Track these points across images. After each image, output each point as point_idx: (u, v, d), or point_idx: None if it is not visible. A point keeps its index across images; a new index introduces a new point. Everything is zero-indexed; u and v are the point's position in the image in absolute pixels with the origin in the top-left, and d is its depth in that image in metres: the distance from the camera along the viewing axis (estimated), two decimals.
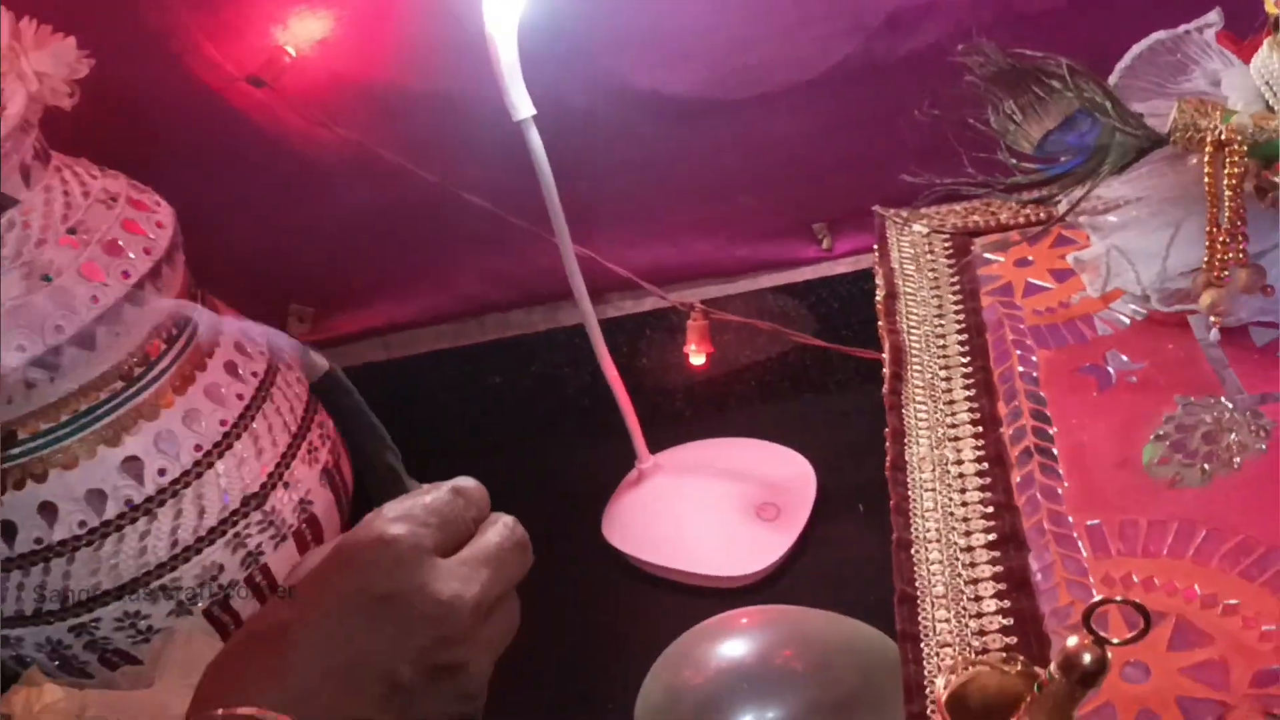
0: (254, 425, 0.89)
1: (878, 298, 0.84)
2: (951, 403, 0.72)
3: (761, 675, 0.72)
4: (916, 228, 0.90)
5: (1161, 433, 0.65)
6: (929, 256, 0.86)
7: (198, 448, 0.86)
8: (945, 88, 0.73)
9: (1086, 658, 0.43)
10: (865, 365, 0.92)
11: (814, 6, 0.91)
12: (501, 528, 0.52)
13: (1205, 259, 0.67)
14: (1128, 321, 0.74)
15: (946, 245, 0.87)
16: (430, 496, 0.51)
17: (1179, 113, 0.65)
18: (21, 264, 0.78)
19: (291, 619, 0.47)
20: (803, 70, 0.91)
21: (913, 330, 0.79)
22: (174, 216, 0.90)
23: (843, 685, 0.72)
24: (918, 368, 0.76)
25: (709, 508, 0.98)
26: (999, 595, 0.59)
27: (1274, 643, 0.52)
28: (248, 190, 1.01)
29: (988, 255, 0.84)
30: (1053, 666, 0.44)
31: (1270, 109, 0.65)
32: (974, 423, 0.70)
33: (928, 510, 0.65)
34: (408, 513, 0.50)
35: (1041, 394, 0.70)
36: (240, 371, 0.91)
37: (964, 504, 0.65)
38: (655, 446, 1.03)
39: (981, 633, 0.57)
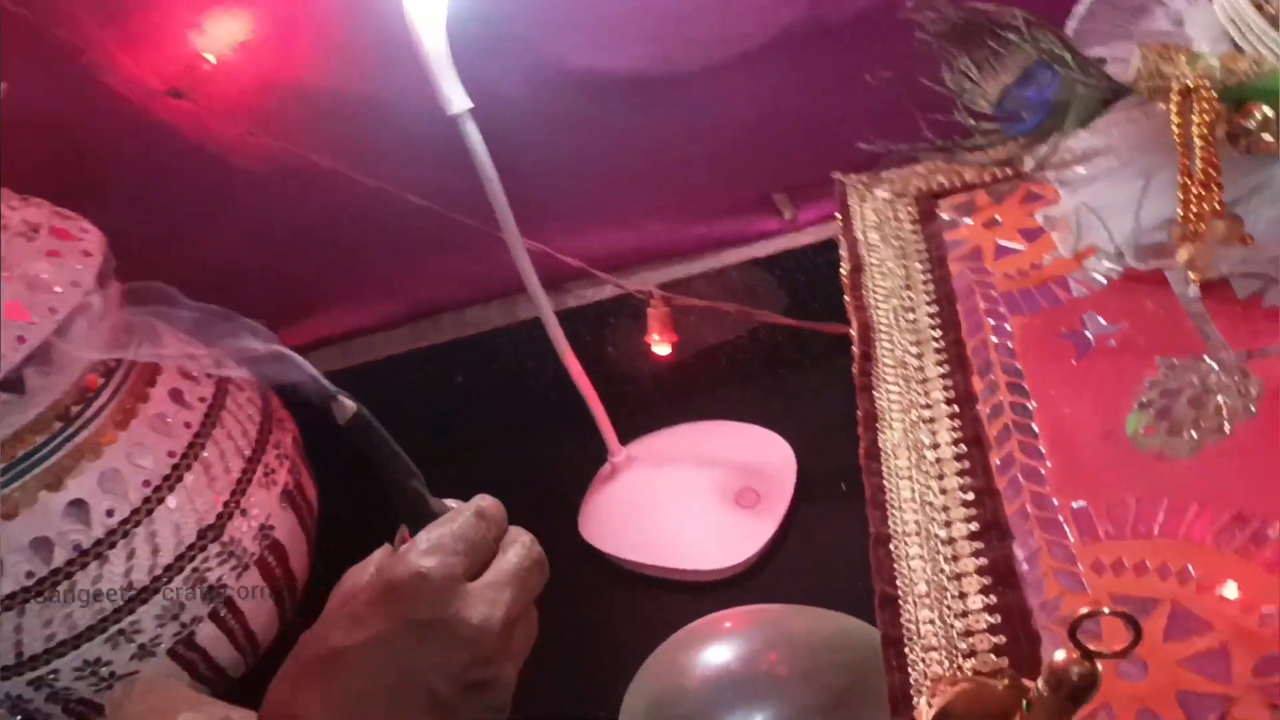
0: (205, 454, 0.85)
1: (843, 271, 0.80)
2: (924, 381, 0.69)
3: (748, 682, 0.69)
4: (879, 193, 0.86)
5: (1145, 400, 0.61)
6: (894, 223, 0.82)
7: (146, 483, 0.82)
8: (897, 47, 0.69)
9: (1075, 673, 0.40)
10: (840, 336, 0.89)
11: None
12: (520, 548, 0.57)
13: (1179, 211, 0.63)
14: (1103, 281, 0.70)
15: (911, 210, 0.83)
16: (457, 524, 0.56)
17: (1142, 60, 0.61)
18: None
19: (343, 646, 0.52)
20: (748, 39, 0.87)
21: (880, 305, 0.75)
22: (104, 243, 0.85)
23: (832, 686, 0.69)
24: (887, 345, 0.72)
25: (687, 498, 0.94)
26: (984, 590, 0.56)
27: (1275, 626, 0.49)
28: (183, 207, 0.97)
29: (954, 218, 0.80)
30: (1040, 683, 0.41)
31: (1238, 49, 0.62)
32: (949, 401, 0.67)
33: (905, 501, 0.62)
34: (438, 543, 0.55)
35: (1017, 365, 0.67)
36: (187, 398, 0.87)
37: (942, 491, 0.62)
38: (628, 435, 1.00)
39: (968, 633, 0.54)
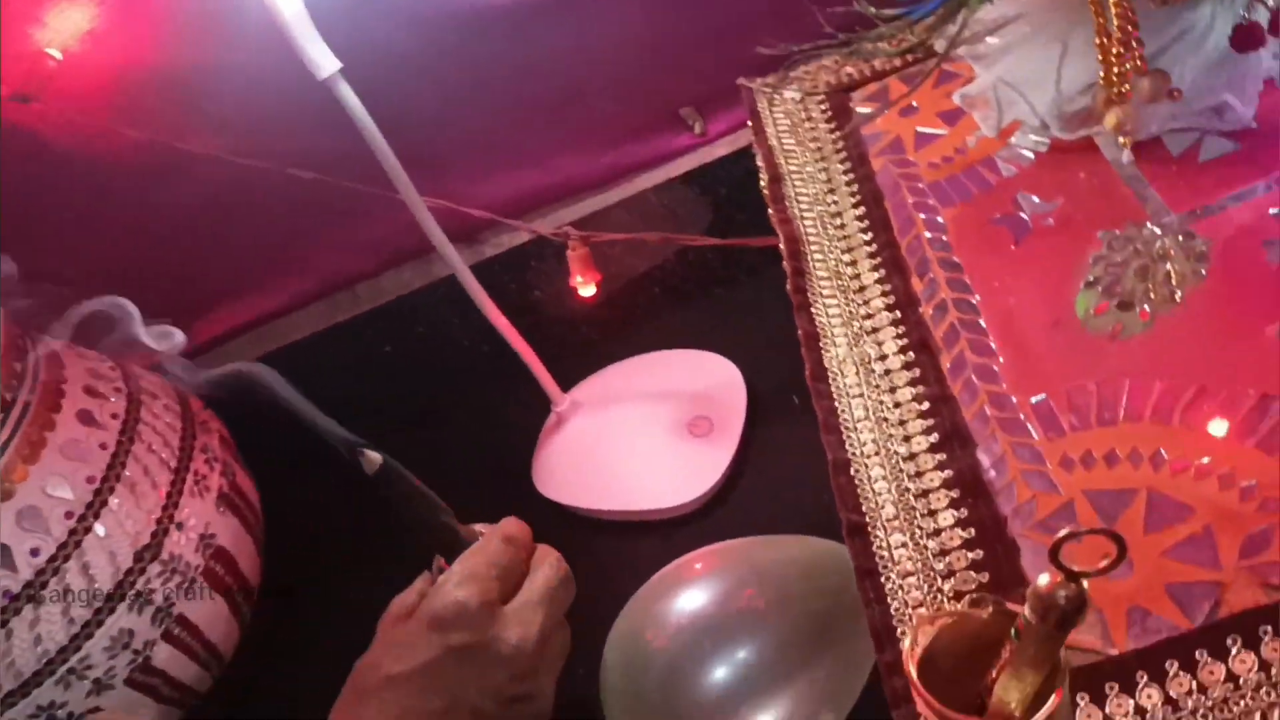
0: (127, 473, 0.80)
1: (762, 183, 0.76)
2: (862, 289, 0.66)
3: (726, 623, 0.67)
4: (788, 94, 0.82)
5: (1091, 278, 0.59)
6: (808, 125, 0.78)
7: (69, 515, 0.77)
8: None
9: (1062, 596, 0.38)
10: (772, 247, 0.85)
11: None
12: (548, 568, 0.64)
13: (1101, 74, 0.60)
14: (1031, 156, 0.67)
15: (824, 108, 0.79)
16: (488, 552, 0.63)
17: None
18: None
19: (395, 673, 0.59)
20: None
21: (806, 214, 0.72)
22: None
23: (813, 614, 0.67)
24: (819, 257, 0.69)
25: (638, 436, 0.91)
26: (954, 504, 0.53)
27: (1257, 500, 0.47)
28: (59, 214, 0.90)
29: (869, 110, 0.76)
30: (1027, 611, 0.39)
31: None
32: (890, 308, 0.64)
33: (860, 421, 0.59)
34: (473, 573, 0.61)
35: (955, 259, 0.64)
36: (97, 418, 0.82)
37: (896, 405, 0.59)
38: (569, 381, 0.96)
39: (943, 552, 0.52)
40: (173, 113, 0.85)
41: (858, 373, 0.61)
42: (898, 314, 0.63)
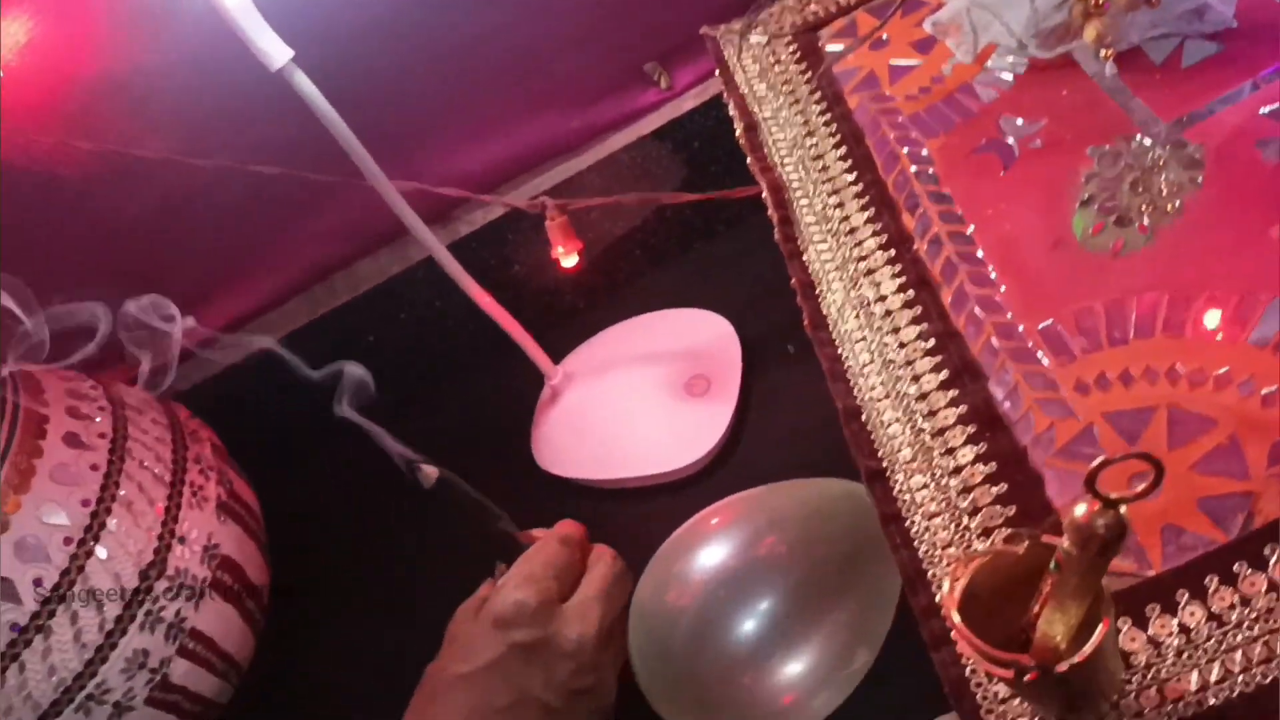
0: (122, 492, 0.79)
1: (737, 132, 0.75)
2: (853, 231, 0.64)
3: (751, 573, 0.66)
4: (754, 38, 0.80)
5: (1086, 197, 0.58)
6: (778, 68, 0.77)
7: (68, 541, 0.75)
8: None
9: (1101, 525, 0.37)
10: (752, 197, 0.84)
11: None
12: (603, 566, 0.68)
13: None
14: (1010, 78, 0.66)
15: (793, 49, 0.77)
16: (545, 554, 0.66)
17: None
18: None
19: (463, 673, 0.62)
20: None
21: (786, 160, 0.70)
22: None
23: (836, 554, 0.66)
24: (804, 202, 0.67)
25: (636, 402, 0.90)
26: (971, 440, 0.52)
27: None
28: (20, 234, 0.88)
29: (839, 48, 0.74)
30: (1066, 542, 0.38)
31: None
32: (883, 247, 0.62)
33: (865, 366, 0.58)
34: (531, 575, 0.65)
35: (944, 191, 0.63)
36: (84, 439, 0.80)
37: (901, 345, 0.58)
38: (560, 352, 0.95)
39: (966, 489, 0.51)
40: (126, 118, 0.82)
41: (858, 317, 0.60)
42: (892, 252, 0.62)
